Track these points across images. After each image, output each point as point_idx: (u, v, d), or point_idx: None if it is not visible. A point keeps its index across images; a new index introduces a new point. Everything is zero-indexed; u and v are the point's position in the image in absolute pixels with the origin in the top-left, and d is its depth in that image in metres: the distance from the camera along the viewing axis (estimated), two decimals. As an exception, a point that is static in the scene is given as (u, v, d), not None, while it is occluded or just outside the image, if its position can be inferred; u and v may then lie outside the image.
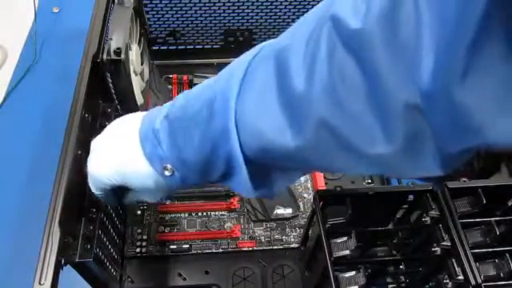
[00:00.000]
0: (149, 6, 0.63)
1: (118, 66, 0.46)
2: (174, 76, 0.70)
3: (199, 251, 0.55)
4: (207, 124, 0.30)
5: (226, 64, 0.32)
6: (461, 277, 0.40)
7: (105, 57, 0.46)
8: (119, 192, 0.39)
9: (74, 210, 0.38)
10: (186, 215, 0.58)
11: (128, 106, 0.51)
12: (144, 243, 0.55)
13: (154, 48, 0.70)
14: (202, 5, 0.64)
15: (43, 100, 0.69)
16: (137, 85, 0.56)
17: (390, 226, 0.46)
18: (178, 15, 0.65)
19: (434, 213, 0.43)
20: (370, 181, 0.63)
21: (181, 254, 0.55)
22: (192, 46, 0.71)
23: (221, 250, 0.56)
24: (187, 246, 0.55)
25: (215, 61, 0.72)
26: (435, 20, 0.19)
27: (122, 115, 0.38)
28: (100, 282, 0.43)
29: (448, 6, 0.19)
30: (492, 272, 0.40)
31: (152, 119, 0.34)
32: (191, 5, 0.64)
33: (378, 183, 0.62)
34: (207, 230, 0.57)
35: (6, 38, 0.77)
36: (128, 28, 0.50)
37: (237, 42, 0.70)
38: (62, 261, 0.35)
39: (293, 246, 0.56)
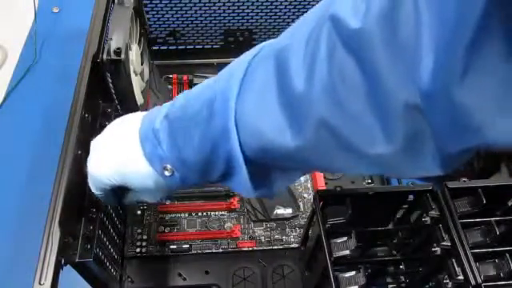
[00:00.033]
0: (149, 6, 0.63)
1: (118, 66, 0.46)
2: (174, 76, 0.70)
3: (199, 251, 0.55)
4: (207, 124, 0.30)
5: (225, 64, 0.32)
6: (461, 277, 0.40)
7: (105, 57, 0.46)
8: (119, 192, 0.39)
9: (73, 210, 0.38)
10: (186, 215, 0.58)
11: (128, 106, 0.51)
12: (144, 243, 0.55)
13: (154, 48, 0.70)
14: (202, 5, 0.64)
15: (43, 100, 0.69)
16: (137, 85, 0.56)
17: (390, 226, 0.46)
18: (178, 15, 0.65)
19: (434, 213, 0.43)
20: (369, 181, 0.63)
21: (181, 253, 0.55)
22: (192, 46, 0.71)
23: (221, 250, 0.56)
24: (187, 246, 0.55)
25: (215, 61, 0.72)
26: (435, 20, 0.19)
27: (121, 115, 0.38)
28: (100, 282, 0.43)
29: (447, 6, 0.19)
30: (492, 272, 0.40)
31: (152, 119, 0.34)
32: (191, 5, 0.64)
33: (378, 183, 0.62)
34: (207, 230, 0.57)
35: (6, 38, 0.77)
36: (128, 28, 0.50)
37: (237, 41, 0.70)
38: (62, 261, 0.35)
39: (293, 246, 0.56)
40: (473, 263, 0.40)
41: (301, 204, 0.60)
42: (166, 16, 0.65)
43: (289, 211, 0.58)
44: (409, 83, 0.21)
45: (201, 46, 0.71)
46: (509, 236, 0.42)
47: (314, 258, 0.48)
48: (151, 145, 0.33)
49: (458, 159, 0.23)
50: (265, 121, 0.28)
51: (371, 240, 0.46)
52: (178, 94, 0.33)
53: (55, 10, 0.82)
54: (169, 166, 0.33)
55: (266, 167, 0.32)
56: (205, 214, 0.58)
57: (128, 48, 0.49)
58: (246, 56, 0.30)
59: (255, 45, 0.31)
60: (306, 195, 0.61)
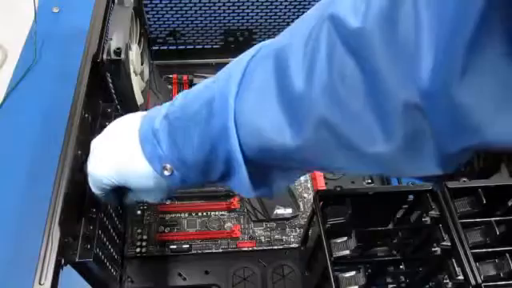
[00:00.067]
0: (149, 6, 0.63)
1: (118, 66, 0.46)
2: (174, 76, 0.70)
3: (199, 251, 0.55)
4: (206, 124, 0.30)
5: (225, 64, 0.32)
6: (461, 277, 0.40)
7: (105, 57, 0.46)
8: (119, 192, 0.39)
9: (73, 210, 0.38)
10: (186, 215, 0.58)
11: (128, 106, 0.52)
12: (144, 243, 0.55)
13: (154, 48, 0.70)
14: (202, 5, 0.64)
15: (43, 100, 0.69)
16: (137, 85, 0.56)
17: (390, 226, 0.46)
18: (178, 15, 0.65)
19: (434, 213, 0.43)
20: (370, 181, 0.63)
21: (181, 254, 0.55)
22: (192, 46, 0.71)
23: (221, 250, 0.56)
24: (187, 246, 0.55)
25: (215, 61, 0.72)
26: (434, 19, 0.19)
27: (122, 115, 0.38)
28: (100, 282, 0.43)
29: (447, 6, 0.19)
30: (492, 272, 0.40)
31: (151, 119, 0.34)
32: (191, 5, 0.64)
33: (378, 183, 0.62)
34: (207, 230, 0.57)
35: (6, 38, 0.77)
36: (128, 28, 0.50)
37: (237, 41, 0.70)
38: (62, 261, 0.35)
39: (293, 245, 0.56)
40: (473, 263, 0.40)
41: (301, 204, 0.60)
42: (166, 16, 0.65)
43: (289, 211, 0.58)
44: (408, 82, 0.21)
45: (201, 46, 0.71)
46: (509, 236, 0.42)
47: (314, 258, 0.48)
48: (151, 145, 0.33)
49: (457, 158, 0.23)
50: (264, 120, 0.28)
51: (371, 240, 0.46)
52: (177, 93, 0.33)
53: (55, 9, 0.82)
54: (168, 166, 0.33)
55: (266, 167, 0.32)
56: (205, 214, 0.58)
57: (128, 48, 0.49)
58: (245, 56, 0.30)
59: (255, 45, 0.31)
60: (306, 195, 0.61)
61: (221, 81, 0.30)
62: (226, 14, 0.66)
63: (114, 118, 0.38)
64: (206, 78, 0.66)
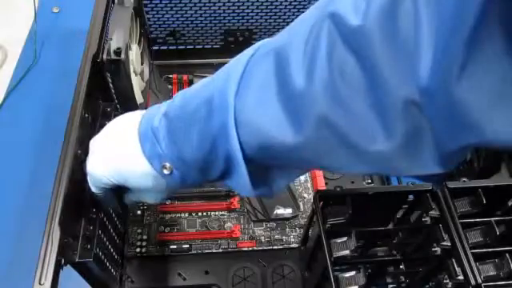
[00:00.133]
0: (149, 6, 0.63)
1: (118, 66, 0.46)
2: (174, 76, 0.70)
3: (199, 251, 0.55)
4: (206, 122, 0.30)
5: (225, 64, 0.32)
6: (461, 277, 0.40)
7: (105, 57, 0.46)
8: (119, 192, 0.39)
9: (73, 210, 0.38)
10: (186, 215, 0.58)
11: (128, 105, 0.52)
12: (144, 243, 0.55)
13: (154, 48, 0.70)
14: (202, 5, 0.64)
15: (43, 100, 0.69)
16: (137, 85, 0.56)
17: (390, 226, 0.46)
18: (178, 15, 0.65)
19: (434, 213, 0.43)
20: (370, 181, 0.63)
21: (181, 254, 0.55)
22: (192, 46, 0.71)
23: (221, 250, 0.55)
24: (187, 245, 0.55)
25: (215, 61, 0.72)
26: (434, 17, 0.20)
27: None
28: (100, 282, 0.43)
29: (446, 4, 0.19)
30: (492, 272, 0.40)
31: (151, 117, 0.33)
32: (191, 5, 0.64)
33: (378, 183, 0.62)
34: (207, 230, 0.57)
35: (6, 38, 0.77)
36: (128, 28, 0.50)
37: (237, 42, 0.70)
38: (62, 261, 0.35)
39: (293, 245, 0.56)
40: (473, 263, 0.40)
41: (301, 204, 0.60)
42: (166, 16, 0.65)
43: (289, 211, 0.58)
44: (408, 80, 0.21)
45: (201, 46, 0.71)
46: (509, 236, 0.42)
47: (313, 258, 0.48)
48: (150, 143, 0.33)
49: (456, 156, 0.23)
50: (264, 118, 0.28)
51: (371, 240, 0.46)
52: (177, 93, 0.33)
53: (55, 9, 0.82)
54: (168, 165, 0.33)
55: (266, 166, 0.32)
56: (205, 214, 0.58)
57: (128, 48, 0.49)
58: (244, 55, 0.30)
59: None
60: (306, 195, 0.61)
61: (220, 79, 0.30)
62: (226, 14, 0.66)
63: (114, 118, 0.38)
64: (205, 77, 0.66)
